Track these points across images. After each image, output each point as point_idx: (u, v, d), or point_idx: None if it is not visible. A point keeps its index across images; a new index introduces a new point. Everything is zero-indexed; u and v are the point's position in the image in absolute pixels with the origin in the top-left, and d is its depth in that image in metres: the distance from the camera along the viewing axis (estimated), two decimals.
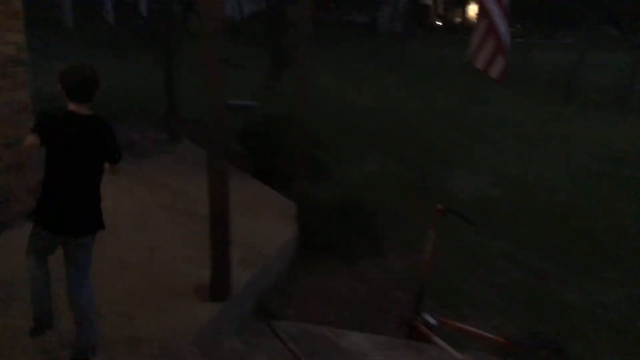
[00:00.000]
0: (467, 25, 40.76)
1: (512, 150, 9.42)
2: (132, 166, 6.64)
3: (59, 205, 2.80)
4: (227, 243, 3.60)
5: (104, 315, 3.35)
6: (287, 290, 4.44)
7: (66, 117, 2.74)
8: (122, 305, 3.56)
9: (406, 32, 22.86)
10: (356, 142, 9.01)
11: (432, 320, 3.78)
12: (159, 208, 5.34)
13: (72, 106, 2.74)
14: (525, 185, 7.72)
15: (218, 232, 3.57)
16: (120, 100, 10.54)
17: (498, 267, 5.36)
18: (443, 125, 11.09)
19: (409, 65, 20.21)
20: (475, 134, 10.52)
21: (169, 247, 4.45)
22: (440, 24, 43.65)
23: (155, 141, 7.93)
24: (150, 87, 13.34)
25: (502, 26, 4.09)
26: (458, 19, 44.89)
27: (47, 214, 2.83)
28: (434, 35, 35.90)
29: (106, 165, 2.94)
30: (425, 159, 8.24)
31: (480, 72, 4.15)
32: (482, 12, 4.26)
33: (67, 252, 2.89)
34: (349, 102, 12.01)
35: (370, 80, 16.50)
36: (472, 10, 46.11)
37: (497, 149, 9.46)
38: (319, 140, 6.30)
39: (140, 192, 5.76)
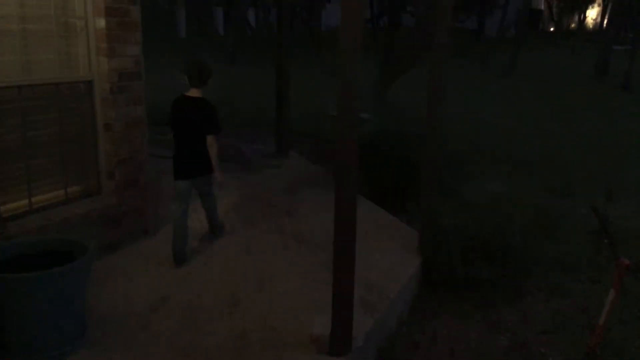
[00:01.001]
0: (584, 31, 38.01)
1: None
2: (240, 181, 6.41)
3: (184, 161, 4.22)
4: (351, 292, 3.10)
5: None
6: (411, 337, 3.88)
7: (184, 99, 4.17)
8: (228, 353, 3.17)
9: (518, 37, 21.55)
10: (483, 161, 8.24)
11: None
12: (268, 230, 4.98)
13: (190, 91, 4.14)
14: None
15: (342, 282, 3.07)
16: (227, 108, 10.50)
17: None
18: (579, 144, 10.00)
19: (524, 74, 18.93)
20: (620, 154, 9.35)
21: (280, 279, 4.04)
22: (553, 29, 41.05)
23: (262, 154, 7.68)
24: (258, 96, 13.40)
25: None
26: (573, 25, 41.99)
27: (178, 169, 4.23)
28: (549, 40, 33.73)
29: (208, 139, 4.11)
30: (569, 186, 7.30)
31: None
32: None
33: (196, 189, 4.38)
34: (471, 118, 11.24)
35: (490, 91, 15.54)
36: (590, 15, 42.94)
37: None
38: (446, 159, 5.70)
39: (250, 210, 5.46)
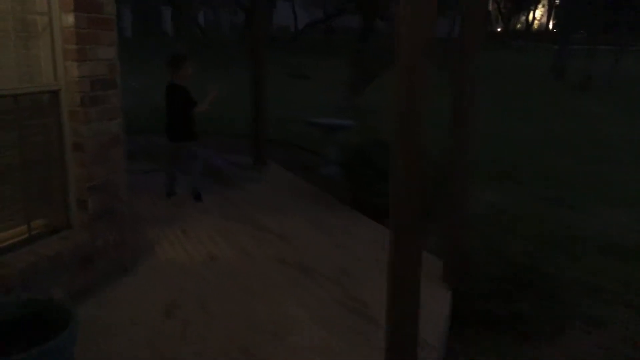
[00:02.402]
0: (530, 32, 38.89)
1: None
2: (221, 198, 5.73)
3: (173, 128, 5.44)
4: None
5: None
6: None
7: (170, 85, 5.39)
8: None
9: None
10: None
11: None
12: (266, 261, 4.32)
13: (173, 77, 5.37)
14: None
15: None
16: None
17: None
18: (554, 147, 9.79)
19: (481, 76, 18.87)
20: (596, 156, 9.17)
21: (297, 327, 3.39)
22: (500, 30, 41.85)
23: (240, 166, 6.99)
24: (221, 102, 12.57)
25: None
26: (519, 25, 42.99)
27: (169, 133, 5.46)
28: (497, 41, 34.26)
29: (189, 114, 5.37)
30: (560, 193, 6.97)
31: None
32: None
33: (182, 151, 5.55)
34: (433, 123, 10.82)
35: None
36: (536, 15, 44.05)
37: (630, 175, 8.08)
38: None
39: (239, 235, 4.79)
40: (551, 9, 34.74)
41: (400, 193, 2.41)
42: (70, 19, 3.31)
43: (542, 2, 39.78)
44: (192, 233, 4.79)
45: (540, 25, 42.38)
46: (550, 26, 39.30)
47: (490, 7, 41.09)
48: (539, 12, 44.05)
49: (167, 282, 3.85)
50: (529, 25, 39.18)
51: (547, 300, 4.01)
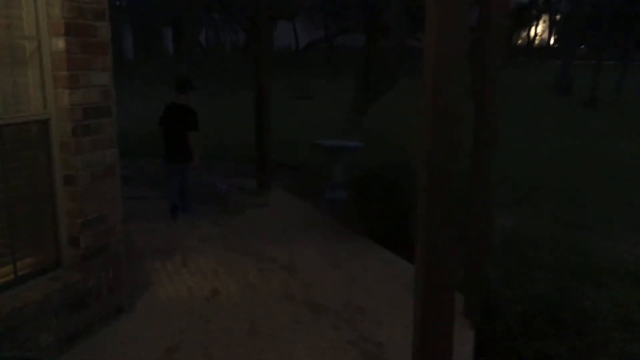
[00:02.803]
0: (532, 47, 38.82)
1: None
2: (222, 228, 5.46)
3: (171, 149, 5.60)
4: None
5: None
6: None
7: (171, 105, 5.64)
8: None
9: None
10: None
11: None
12: (273, 297, 4.03)
13: (176, 98, 5.63)
14: None
15: None
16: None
17: None
18: (564, 164, 9.52)
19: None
20: (611, 175, 8.88)
21: None
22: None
23: (245, 190, 6.72)
24: (226, 124, 12.37)
25: None
26: (520, 41, 43.00)
27: (170, 155, 5.61)
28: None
29: (190, 136, 5.52)
30: (577, 215, 6.69)
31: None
32: None
33: (179, 171, 5.71)
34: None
35: None
36: (537, 31, 44.06)
37: None
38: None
39: (243, 267, 4.51)
40: (552, 25, 34.72)
41: (430, 222, 2.13)
42: (60, 43, 3.08)
43: (543, 19, 39.84)
44: (193, 265, 4.52)
45: (542, 41, 42.39)
46: (552, 41, 39.32)
47: None
48: (540, 28, 44.10)
49: (167, 323, 3.57)
50: (530, 41, 39.18)
51: (575, 337, 3.70)
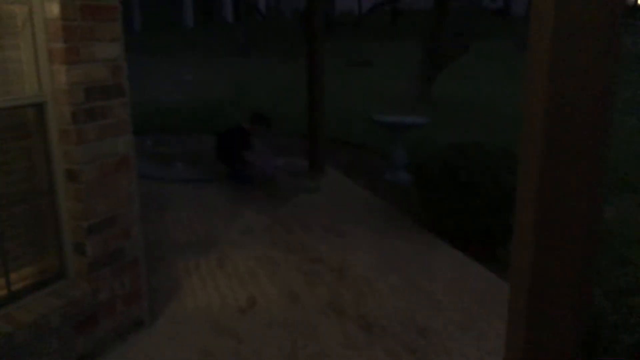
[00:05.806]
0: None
1: None
2: (270, 218, 4.86)
3: (226, 158, 6.04)
4: None
5: None
6: None
7: (239, 127, 6.05)
8: None
9: None
10: None
11: None
12: (319, 311, 3.40)
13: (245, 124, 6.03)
14: None
15: None
16: (244, 106, 9.00)
17: None
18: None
19: None
20: None
21: None
22: None
23: (294, 173, 6.10)
24: (279, 94, 11.74)
25: None
26: None
27: (222, 159, 6.07)
28: None
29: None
30: None
31: None
32: None
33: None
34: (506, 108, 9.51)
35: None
36: None
37: None
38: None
39: (287, 270, 3.90)
40: None
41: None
42: (55, 8, 2.49)
43: None
44: (229, 265, 3.96)
45: None
46: None
47: None
48: None
49: (191, 341, 3.02)
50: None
51: None
